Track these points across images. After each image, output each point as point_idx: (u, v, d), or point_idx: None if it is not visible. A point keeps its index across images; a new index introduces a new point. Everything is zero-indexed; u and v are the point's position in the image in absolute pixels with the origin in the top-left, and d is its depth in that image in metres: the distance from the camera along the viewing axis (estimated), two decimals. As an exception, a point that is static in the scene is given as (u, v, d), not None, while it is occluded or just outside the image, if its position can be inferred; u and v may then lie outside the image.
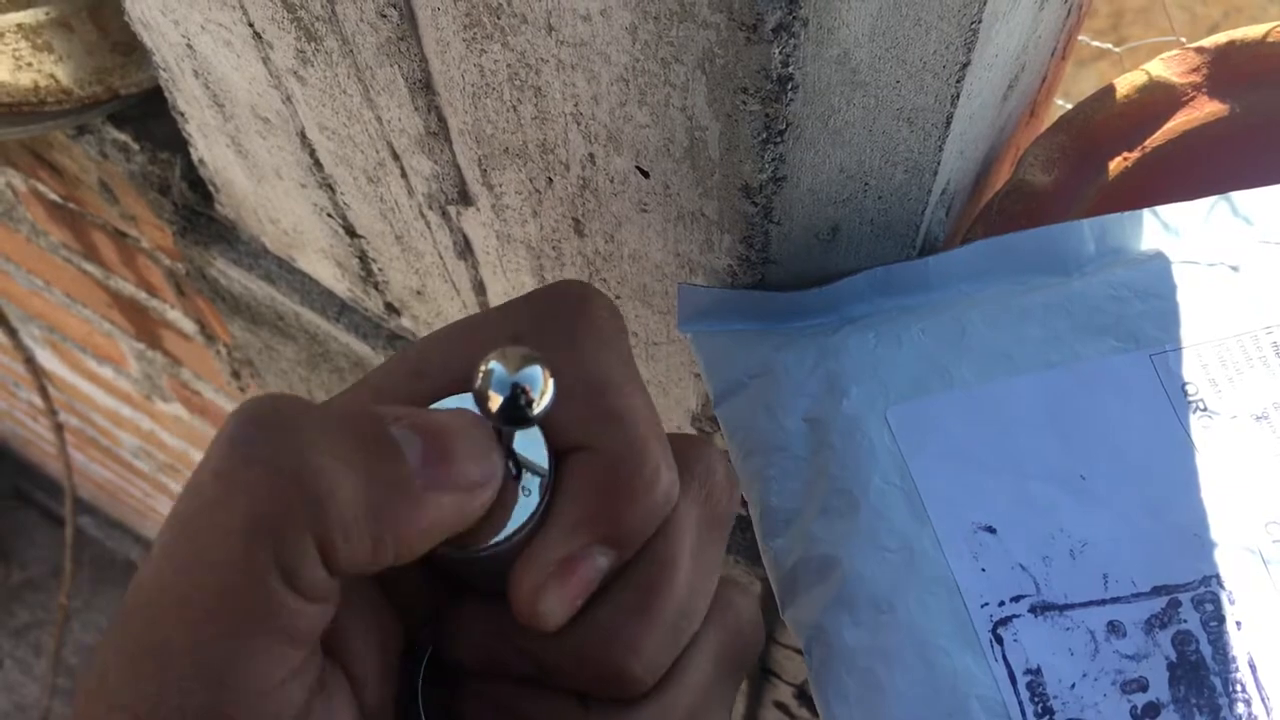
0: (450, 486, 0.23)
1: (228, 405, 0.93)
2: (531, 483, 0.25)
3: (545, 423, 0.24)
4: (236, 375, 0.83)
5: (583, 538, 0.24)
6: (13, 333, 1.00)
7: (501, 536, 0.24)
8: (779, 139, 0.31)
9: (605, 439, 0.25)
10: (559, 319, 0.26)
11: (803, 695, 0.65)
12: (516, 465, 0.25)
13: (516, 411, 0.23)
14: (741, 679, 0.28)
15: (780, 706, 0.67)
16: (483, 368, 0.23)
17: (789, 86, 0.29)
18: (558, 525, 0.24)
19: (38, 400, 1.05)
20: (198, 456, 1.18)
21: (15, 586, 2.11)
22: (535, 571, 0.24)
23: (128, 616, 0.22)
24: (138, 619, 0.22)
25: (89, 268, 0.83)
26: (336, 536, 0.22)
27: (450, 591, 0.27)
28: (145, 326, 0.88)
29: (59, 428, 1.10)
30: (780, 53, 0.28)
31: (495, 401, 0.23)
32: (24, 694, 2.00)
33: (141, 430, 1.24)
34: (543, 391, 0.23)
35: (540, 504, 0.24)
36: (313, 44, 0.39)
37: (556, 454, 0.25)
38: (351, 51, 0.38)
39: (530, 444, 0.25)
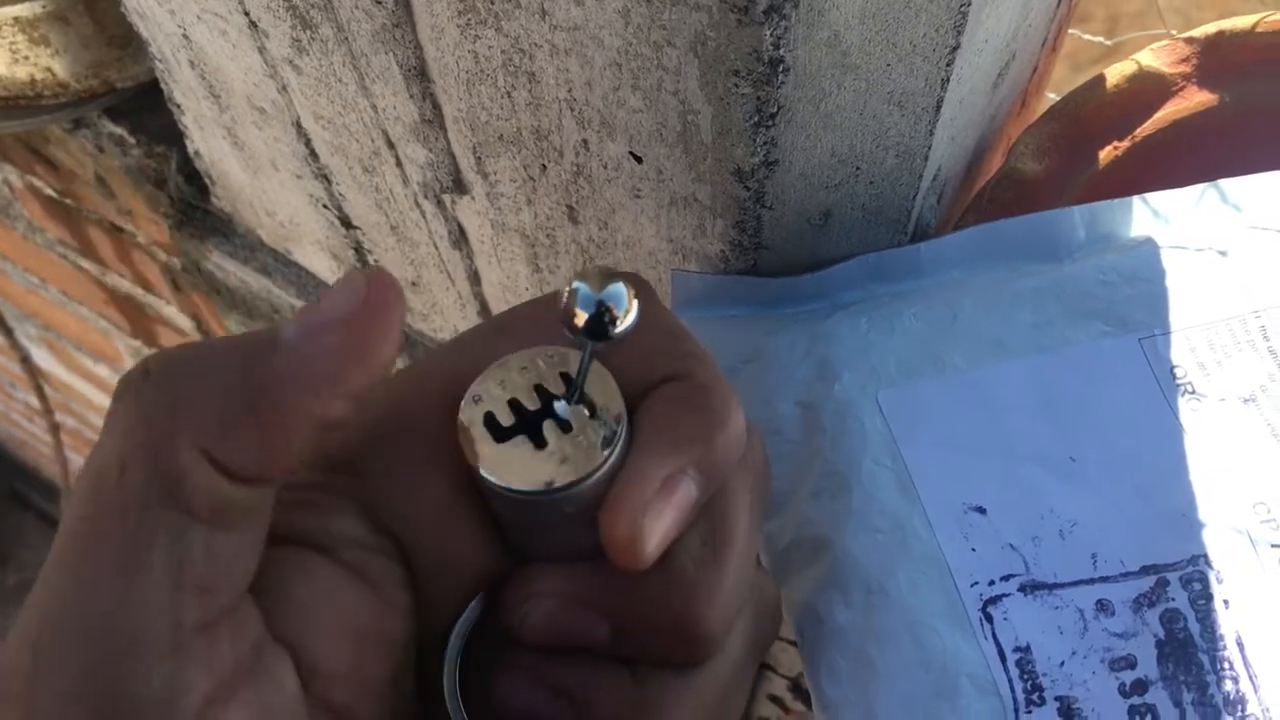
0: (320, 328, 0.22)
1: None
2: (605, 424, 0.25)
3: (624, 363, 0.25)
4: (232, 372, 0.83)
5: (681, 458, 0.24)
6: (8, 332, 1.01)
7: (584, 474, 0.24)
8: (771, 122, 0.31)
9: (690, 371, 0.25)
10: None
11: (797, 688, 0.65)
12: (590, 406, 0.25)
13: (601, 328, 0.23)
14: (759, 664, 0.28)
15: (775, 700, 0.67)
16: (568, 287, 0.23)
17: (780, 69, 0.29)
18: (654, 447, 0.24)
19: (34, 400, 1.05)
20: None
21: (11, 589, 2.10)
22: (638, 490, 0.23)
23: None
24: (45, 575, 0.21)
25: (85, 264, 0.83)
26: (213, 430, 0.21)
27: (512, 562, 0.26)
28: (141, 323, 0.88)
29: (55, 428, 1.10)
30: (771, 35, 0.28)
31: (581, 318, 0.23)
32: (19, 696, 1.99)
33: (137, 429, 1.24)
34: (627, 309, 0.23)
35: (619, 438, 0.24)
36: (308, 32, 0.39)
37: (636, 393, 0.25)
38: (346, 39, 0.38)
39: (601, 387, 0.25)
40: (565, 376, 0.25)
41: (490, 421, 0.25)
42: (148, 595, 0.20)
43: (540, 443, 0.24)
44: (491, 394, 0.25)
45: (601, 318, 0.23)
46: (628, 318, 0.23)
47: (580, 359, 0.25)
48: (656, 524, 0.23)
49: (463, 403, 0.25)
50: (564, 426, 0.24)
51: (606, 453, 0.24)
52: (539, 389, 0.25)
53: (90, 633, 0.20)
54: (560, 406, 0.25)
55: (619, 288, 0.23)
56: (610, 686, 0.25)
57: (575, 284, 0.23)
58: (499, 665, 0.25)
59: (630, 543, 0.23)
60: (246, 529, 0.22)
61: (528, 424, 0.24)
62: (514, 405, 0.25)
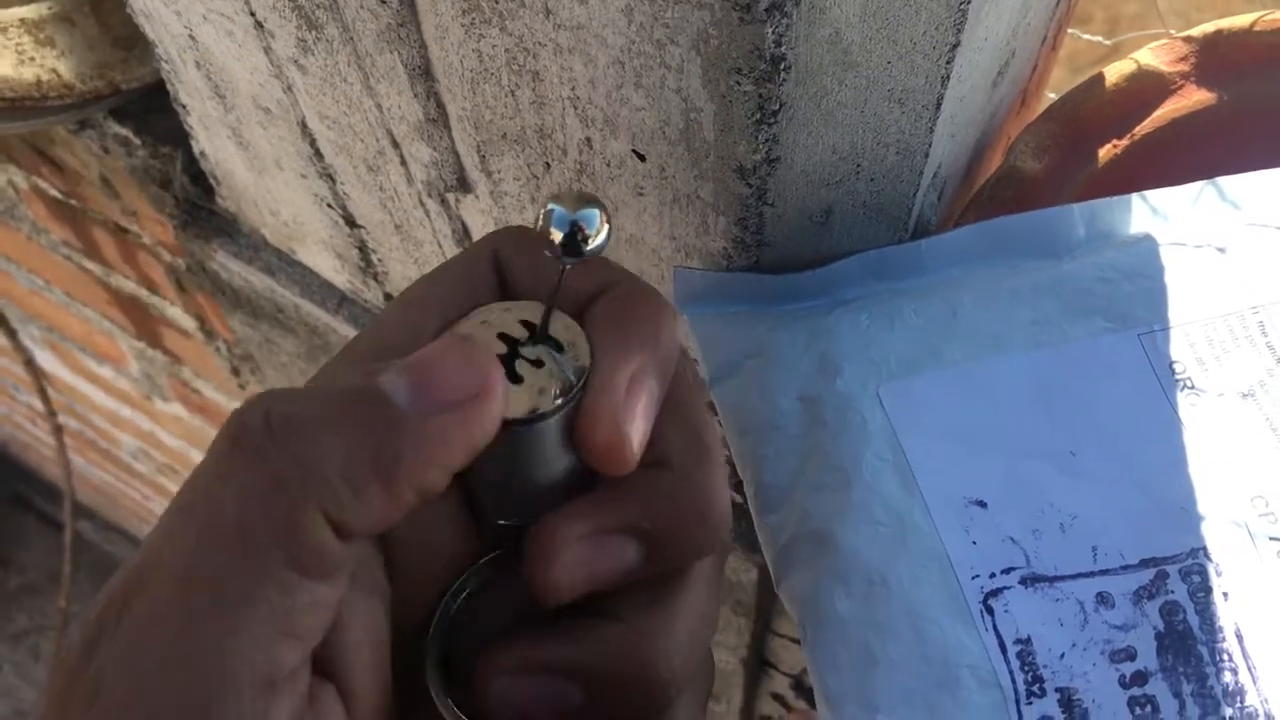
0: (442, 406, 0.23)
1: (227, 403, 0.94)
2: (573, 356, 0.26)
3: (564, 301, 0.26)
4: (236, 372, 0.83)
5: (636, 358, 0.25)
6: (12, 334, 1.01)
7: (566, 395, 0.25)
8: (772, 120, 0.31)
9: (618, 280, 0.27)
10: (520, 235, 0.28)
11: (799, 686, 0.65)
12: (556, 344, 0.26)
13: (575, 245, 0.25)
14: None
15: (777, 698, 0.67)
16: (543, 209, 0.25)
17: (782, 66, 0.30)
18: (611, 354, 0.26)
19: (37, 403, 1.05)
20: (197, 457, 1.18)
21: (13, 591, 2.11)
22: (610, 396, 0.25)
23: (122, 600, 0.22)
24: (135, 604, 0.21)
25: (89, 265, 0.84)
26: (341, 493, 0.22)
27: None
28: (145, 324, 0.89)
29: (58, 430, 1.10)
30: (773, 32, 0.29)
31: (557, 236, 0.25)
32: (22, 698, 2.00)
33: (141, 430, 1.24)
34: (598, 229, 0.25)
35: (585, 366, 0.26)
36: (314, 32, 0.39)
37: (572, 312, 0.27)
38: (352, 39, 0.38)
39: (562, 325, 0.26)
40: (525, 324, 0.26)
41: None
42: (253, 637, 0.21)
43: (516, 379, 0.25)
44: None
45: (575, 236, 0.25)
46: (599, 236, 0.25)
47: (548, 300, 0.26)
48: (634, 423, 0.25)
49: None
50: (535, 363, 0.26)
51: (581, 379, 0.25)
52: (503, 337, 0.26)
53: (193, 663, 0.21)
54: (528, 349, 0.26)
55: (592, 210, 0.25)
56: (608, 645, 0.26)
57: (550, 205, 0.25)
58: (489, 670, 0.26)
59: (617, 445, 0.25)
60: (339, 580, 0.23)
61: (502, 364, 0.26)
62: None
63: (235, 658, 0.21)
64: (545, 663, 0.26)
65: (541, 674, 0.26)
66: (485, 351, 0.24)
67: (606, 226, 0.25)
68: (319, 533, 0.22)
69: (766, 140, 0.32)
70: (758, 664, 0.64)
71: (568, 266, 0.25)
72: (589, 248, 0.25)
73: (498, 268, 0.28)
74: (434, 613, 0.26)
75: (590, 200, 0.25)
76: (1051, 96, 0.47)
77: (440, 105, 0.39)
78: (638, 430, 0.25)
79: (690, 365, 0.28)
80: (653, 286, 0.27)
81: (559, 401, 0.25)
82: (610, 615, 0.26)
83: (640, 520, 0.25)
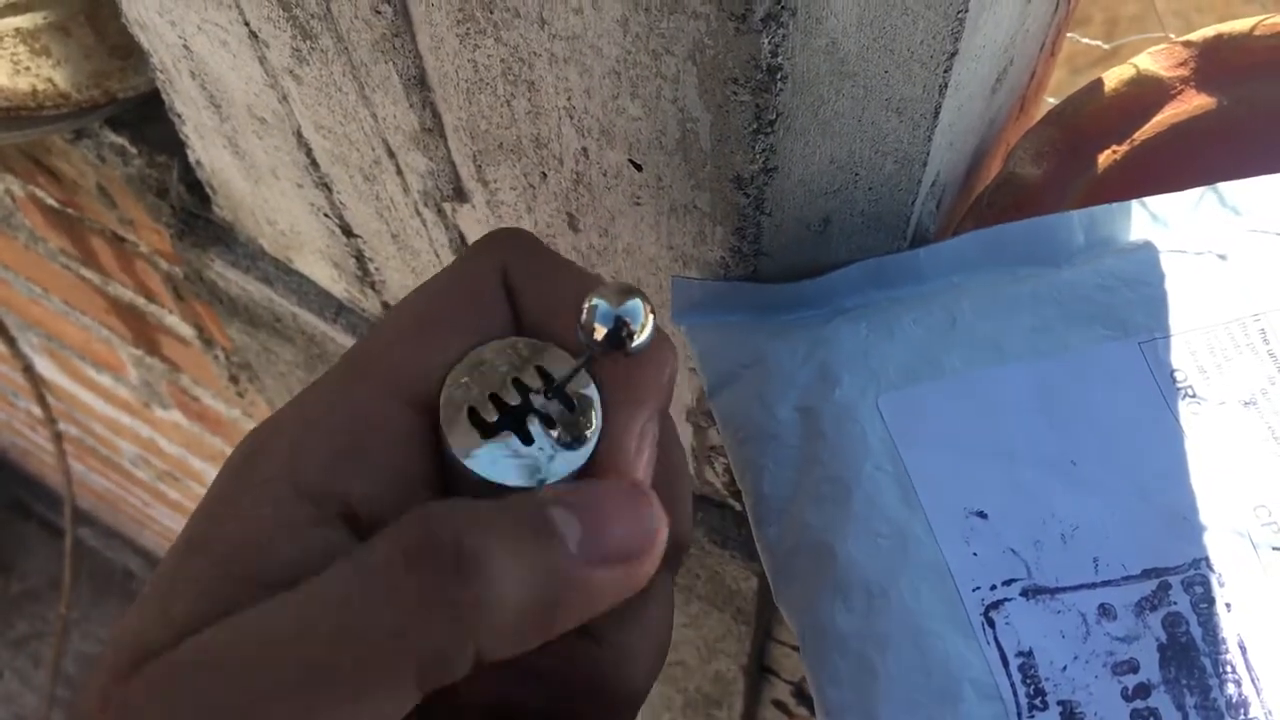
0: (610, 561, 0.23)
1: (225, 411, 0.94)
2: (585, 417, 0.26)
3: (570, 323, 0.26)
4: (235, 380, 0.83)
5: (647, 409, 0.26)
6: (11, 341, 1.01)
7: (573, 468, 0.25)
8: (769, 129, 0.31)
9: None
10: (530, 252, 0.27)
11: (801, 694, 0.65)
12: (567, 400, 0.26)
13: (620, 341, 0.24)
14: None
15: (779, 705, 0.67)
16: (587, 303, 0.24)
17: (778, 76, 0.29)
18: (624, 406, 0.26)
19: (37, 410, 1.05)
20: (196, 463, 1.18)
21: (14, 597, 2.10)
22: (628, 456, 0.25)
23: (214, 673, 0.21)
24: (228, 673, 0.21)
25: (87, 273, 0.83)
26: (503, 640, 0.22)
27: None
28: (143, 332, 0.88)
29: (58, 437, 1.10)
30: (769, 43, 0.28)
31: (600, 332, 0.24)
32: (23, 704, 2.00)
33: (141, 438, 1.24)
34: (643, 324, 0.24)
35: (597, 431, 0.26)
36: (308, 42, 0.39)
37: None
38: (347, 49, 0.38)
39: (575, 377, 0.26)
40: (540, 371, 0.26)
41: (474, 417, 0.25)
42: None
43: (527, 438, 0.25)
44: (469, 389, 0.25)
45: (620, 332, 0.24)
46: (644, 332, 0.24)
47: (572, 368, 0.26)
48: (648, 476, 0.25)
49: (442, 398, 0.25)
50: (546, 420, 0.25)
51: (589, 447, 0.25)
52: (517, 384, 0.26)
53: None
54: (539, 400, 0.26)
55: (636, 303, 0.24)
56: (579, 664, 0.26)
57: (594, 300, 0.24)
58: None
59: (639, 484, 0.25)
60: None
61: (511, 419, 0.25)
62: (495, 400, 0.25)
63: None
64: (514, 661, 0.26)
65: (507, 670, 0.25)
66: (656, 508, 0.24)
67: (651, 320, 0.25)
68: (463, 665, 0.22)
69: (763, 150, 0.32)
70: (759, 671, 0.64)
71: (596, 354, 0.25)
72: (634, 344, 0.24)
73: (506, 284, 0.27)
74: None
75: (633, 292, 0.25)
76: (1051, 101, 0.47)
77: (436, 115, 0.38)
78: (648, 480, 0.25)
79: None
80: (662, 331, 0.27)
81: (568, 473, 0.25)
82: (582, 632, 0.26)
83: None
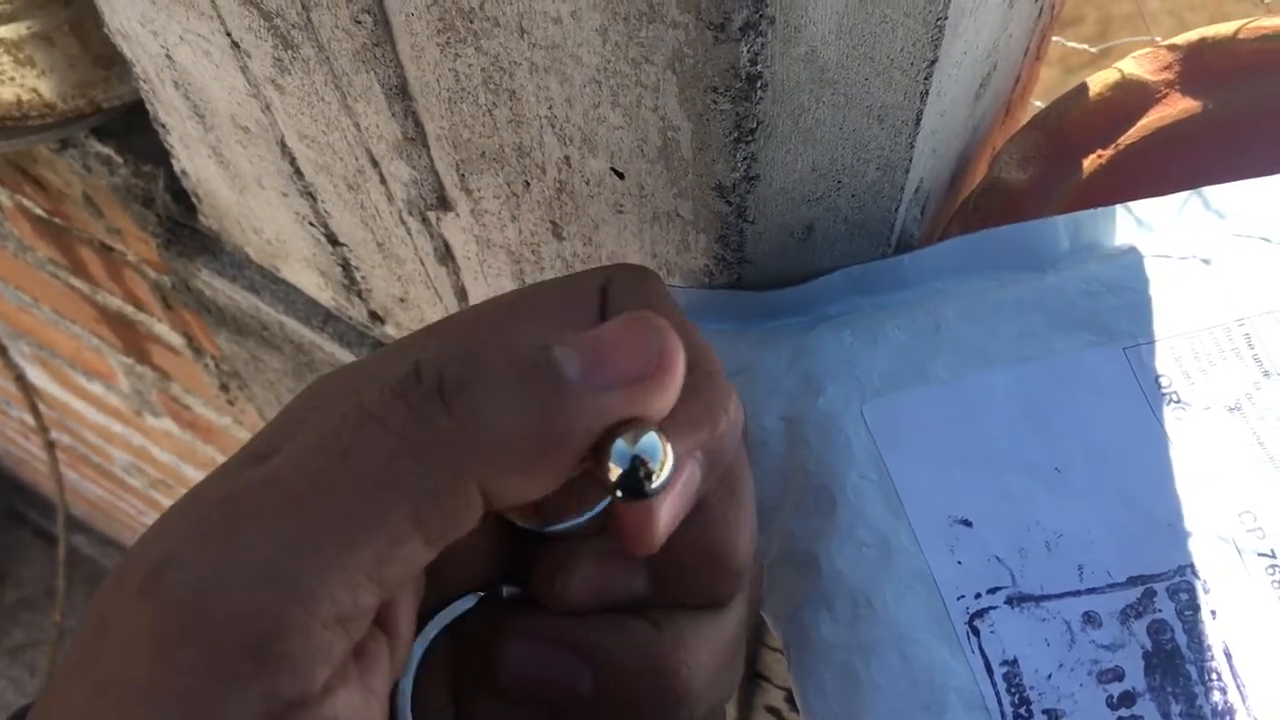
0: (615, 383, 0.22)
1: (217, 419, 0.93)
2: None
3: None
4: (225, 388, 0.83)
5: (689, 440, 0.24)
6: (2, 350, 1.01)
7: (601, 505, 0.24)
8: (750, 138, 0.31)
9: (695, 360, 0.26)
10: (636, 278, 0.27)
11: (793, 700, 0.65)
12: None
13: (636, 484, 0.23)
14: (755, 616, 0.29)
15: (771, 710, 0.67)
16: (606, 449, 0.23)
17: (758, 85, 0.29)
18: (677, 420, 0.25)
19: (29, 418, 1.05)
20: (189, 471, 1.18)
21: (9, 606, 2.10)
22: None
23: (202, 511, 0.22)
24: (216, 512, 0.21)
25: (76, 283, 0.83)
26: (505, 466, 0.21)
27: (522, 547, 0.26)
28: (133, 341, 0.88)
29: (50, 445, 1.09)
30: (748, 51, 0.28)
31: (614, 473, 0.23)
32: (18, 714, 1.99)
33: (133, 446, 1.24)
34: (662, 461, 0.23)
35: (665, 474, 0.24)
36: (289, 52, 0.39)
37: None
38: (328, 59, 0.38)
39: None
40: None
41: None
42: (345, 578, 0.21)
43: None
44: None
45: (636, 472, 0.23)
46: (663, 470, 0.23)
47: (589, 515, 0.25)
48: (667, 512, 0.24)
49: None
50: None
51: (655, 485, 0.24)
52: None
53: (280, 581, 0.21)
54: None
55: (652, 439, 0.23)
56: (631, 638, 0.25)
57: (613, 443, 0.23)
58: (504, 633, 0.26)
59: (648, 539, 0.24)
60: (445, 544, 0.23)
61: None
62: None
63: (323, 592, 0.21)
64: (560, 636, 0.25)
65: (554, 647, 0.25)
66: (664, 330, 0.23)
67: (670, 452, 0.23)
68: (466, 501, 0.22)
69: (745, 158, 0.32)
70: (751, 676, 0.64)
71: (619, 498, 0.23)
72: (653, 486, 0.23)
73: (603, 302, 0.27)
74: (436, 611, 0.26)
75: (648, 426, 0.23)
76: (1038, 105, 0.47)
77: (418, 124, 0.38)
78: (667, 520, 0.24)
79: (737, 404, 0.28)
80: (723, 373, 0.26)
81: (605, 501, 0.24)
82: (643, 616, 0.25)
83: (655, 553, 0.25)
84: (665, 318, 0.26)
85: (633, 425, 0.23)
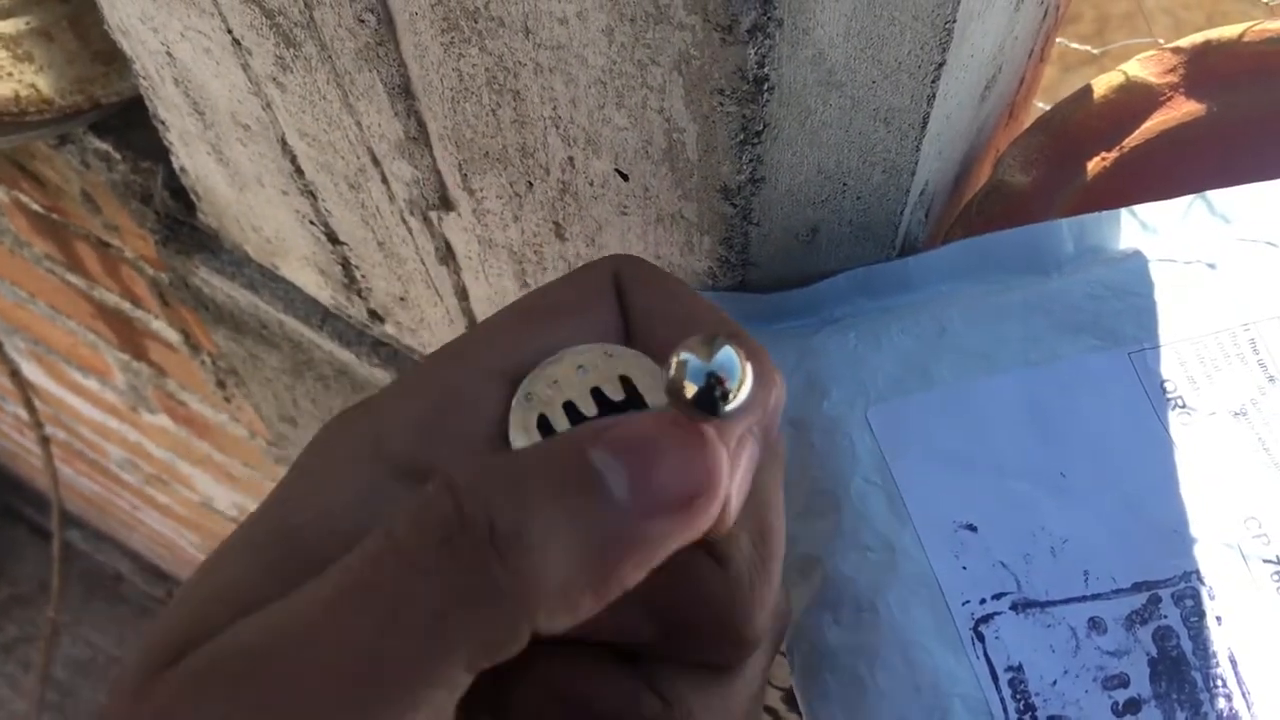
0: (665, 508, 0.21)
1: (213, 416, 0.93)
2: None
3: (668, 336, 0.23)
4: (222, 385, 0.83)
5: (749, 418, 0.23)
6: (-3, 345, 1.00)
7: None
8: (756, 140, 0.31)
9: (736, 333, 0.24)
10: (643, 264, 0.26)
11: (791, 700, 0.65)
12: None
13: (712, 402, 0.21)
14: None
15: (769, 711, 0.67)
16: (675, 358, 0.21)
17: (765, 87, 0.29)
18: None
19: (24, 413, 1.04)
20: (184, 468, 1.17)
21: (3, 601, 2.10)
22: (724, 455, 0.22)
23: (246, 672, 0.20)
24: (265, 676, 0.20)
25: (73, 279, 0.83)
26: (557, 609, 0.20)
27: None
28: (130, 337, 0.88)
29: (45, 441, 1.09)
30: (756, 53, 0.28)
31: (690, 390, 0.21)
32: (12, 709, 1.99)
33: (128, 442, 1.23)
34: (740, 380, 0.21)
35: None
36: (291, 50, 0.39)
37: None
38: (330, 57, 0.38)
39: (656, 389, 0.24)
40: (624, 380, 0.24)
41: (544, 425, 0.23)
42: None
43: None
44: (544, 394, 0.24)
45: (712, 391, 0.21)
46: (741, 390, 0.21)
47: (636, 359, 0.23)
48: (736, 486, 0.22)
49: (514, 401, 0.24)
50: None
51: None
52: (596, 393, 0.24)
53: None
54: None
55: (729, 354, 0.21)
56: (632, 694, 0.24)
57: (683, 355, 0.21)
58: (510, 678, 0.24)
59: (720, 508, 0.22)
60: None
61: None
62: (569, 410, 0.24)
63: None
64: (562, 690, 0.24)
65: (558, 703, 0.24)
66: (712, 443, 0.21)
67: (750, 371, 0.21)
68: (518, 642, 0.20)
69: (750, 160, 0.31)
70: (749, 677, 0.64)
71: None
72: (730, 406, 0.21)
73: (619, 292, 0.26)
74: None
75: (724, 340, 0.21)
76: (1040, 105, 0.47)
77: (421, 123, 0.38)
78: (738, 495, 0.22)
79: (781, 445, 0.26)
80: (760, 346, 0.24)
81: None
82: (646, 677, 0.24)
83: (659, 602, 0.23)
84: (688, 301, 0.25)
85: (703, 339, 0.21)
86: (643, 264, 0.27)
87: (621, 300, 0.26)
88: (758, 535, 0.24)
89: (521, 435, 0.23)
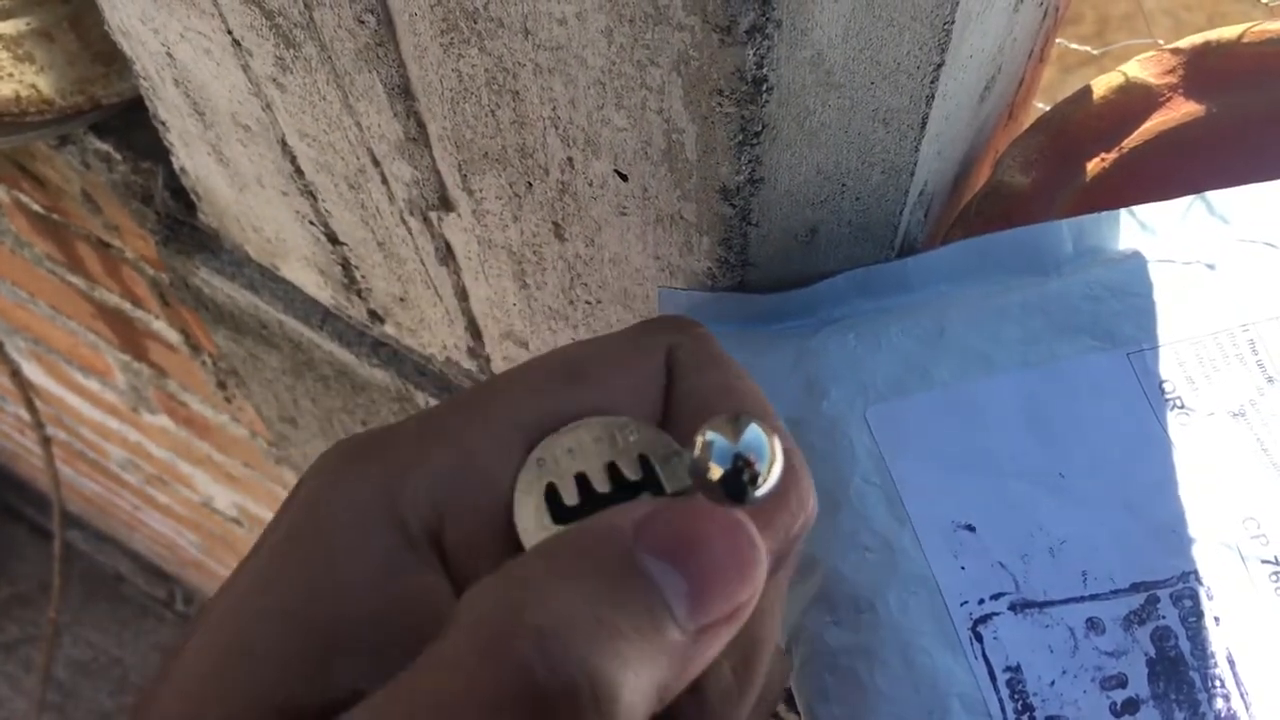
0: (723, 621, 0.19)
1: (213, 416, 0.93)
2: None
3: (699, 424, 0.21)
4: (222, 386, 0.83)
5: (770, 543, 0.21)
6: (-2, 345, 1.00)
7: None
8: (755, 141, 0.31)
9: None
10: (701, 340, 0.25)
11: (790, 701, 0.64)
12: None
13: (740, 487, 0.20)
14: None
15: (769, 712, 0.67)
16: (700, 438, 0.20)
17: (764, 88, 0.29)
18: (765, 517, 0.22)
19: (25, 414, 1.04)
20: (185, 468, 1.17)
21: (4, 601, 2.10)
22: (770, 541, 0.22)
23: None
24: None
25: (73, 279, 0.83)
26: None
27: None
28: (130, 338, 0.88)
29: (46, 441, 1.09)
30: (754, 54, 0.28)
31: (716, 473, 0.20)
32: (12, 709, 1.99)
33: (129, 442, 1.23)
34: (770, 462, 0.20)
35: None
36: (291, 51, 0.39)
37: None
38: (330, 58, 0.38)
39: (676, 475, 0.22)
40: (643, 459, 0.22)
41: (551, 495, 0.22)
42: None
43: None
44: (559, 462, 0.22)
45: (740, 474, 0.19)
46: (771, 473, 0.20)
47: (659, 438, 0.22)
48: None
49: (525, 464, 0.22)
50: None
51: None
52: (611, 469, 0.22)
53: None
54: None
55: (756, 434, 0.19)
56: None
57: (708, 434, 0.20)
58: None
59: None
60: None
61: (588, 509, 0.22)
62: (581, 482, 0.22)
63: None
64: None
65: None
66: (758, 553, 0.20)
67: (780, 452, 0.20)
68: None
69: (749, 161, 0.31)
70: (749, 678, 0.64)
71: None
72: (760, 492, 0.20)
73: (669, 368, 0.25)
74: None
75: (750, 419, 0.20)
76: (1040, 106, 0.47)
77: (420, 124, 0.38)
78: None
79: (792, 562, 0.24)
80: (802, 459, 0.23)
81: None
82: None
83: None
84: (740, 391, 0.23)
85: (728, 419, 0.20)
86: (704, 343, 0.25)
87: (670, 375, 0.25)
88: (741, 661, 0.22)
89: (527, 501, 0.22)
